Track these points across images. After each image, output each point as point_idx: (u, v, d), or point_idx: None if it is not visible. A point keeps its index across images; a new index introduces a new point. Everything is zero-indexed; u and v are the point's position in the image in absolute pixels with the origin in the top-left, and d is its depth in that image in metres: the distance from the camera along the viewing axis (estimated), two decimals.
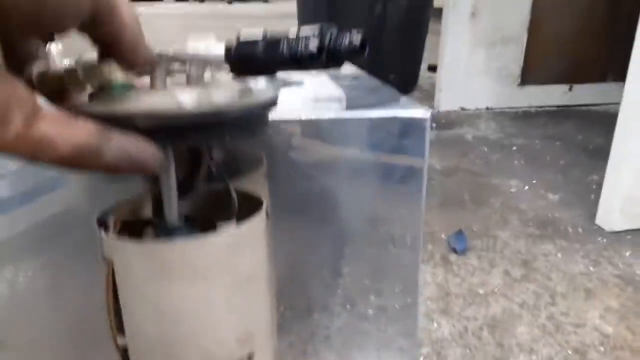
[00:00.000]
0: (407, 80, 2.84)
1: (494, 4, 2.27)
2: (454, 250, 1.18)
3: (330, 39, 0.29)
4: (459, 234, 1.22)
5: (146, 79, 0.32)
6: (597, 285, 1.08)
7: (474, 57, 2.34)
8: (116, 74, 0.30)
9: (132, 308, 0.37)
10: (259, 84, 0.36)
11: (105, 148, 0.27)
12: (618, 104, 1.25)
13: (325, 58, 0.29)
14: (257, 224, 0.38)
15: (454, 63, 2.33)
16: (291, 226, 0.60)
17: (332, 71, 0.78)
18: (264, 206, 0.39)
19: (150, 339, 0.38)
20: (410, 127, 0.53)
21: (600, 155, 1.42)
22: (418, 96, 2.75)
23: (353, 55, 0.29)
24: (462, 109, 2.43)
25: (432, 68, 3.07)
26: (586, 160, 1.77)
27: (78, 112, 0.28)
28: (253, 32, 0.32)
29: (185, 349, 0.38)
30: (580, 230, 1.30)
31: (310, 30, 0.30)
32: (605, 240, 1.25)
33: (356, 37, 0.29)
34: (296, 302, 0.69)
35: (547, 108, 2.48)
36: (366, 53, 0.29)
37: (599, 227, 1.31)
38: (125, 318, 0.38)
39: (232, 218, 0.38)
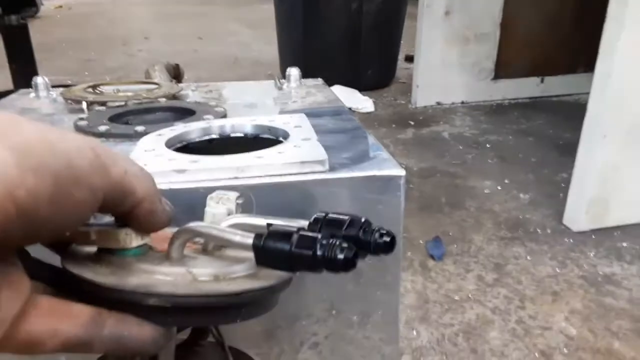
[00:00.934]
0: (385, 74, 2.89)
1: (467, 3, 2.33)
2: (432, 257, 1.25)
3: (370, 242, 0.29)
4: (436, 240, 1.30)
5: (164, 242, 0.30)
6: (563, 287, 1.16)
7: (449, 54, 2.40)
8: (131, 238, 0.28)
9: None
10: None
11: (96, 339, 0.25)
12: (587, 93, 1.30)
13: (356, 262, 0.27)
14: None
15: (429, 60, 2.39)
16: None
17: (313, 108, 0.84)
18: None
19: None
20: (387, 183, 0.60)
21: (569, 151, 1.50)
22: (396, 89, 2.81)
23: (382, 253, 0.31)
24: (439, 103, 2.50)
25: (409, 58, 3.13)
26: (556, 157, 1.86)
27: (84, 279, 0.27)
28: (282, 225, 0.29)
29: None
30: (548, 231, 1.39)
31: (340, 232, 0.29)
32: (571, 240, 1.34)
33: (387, 238, 0.30)
34: (283, 309, 0.74)
35: (520, 100, 2.57)
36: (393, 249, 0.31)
37: (566, 227, 1.40)
38: None
39: None
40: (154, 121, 0.71)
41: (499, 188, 1.63)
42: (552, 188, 1.62)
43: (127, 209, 0.26)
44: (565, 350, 0.98)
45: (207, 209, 0.33)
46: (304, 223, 0.31)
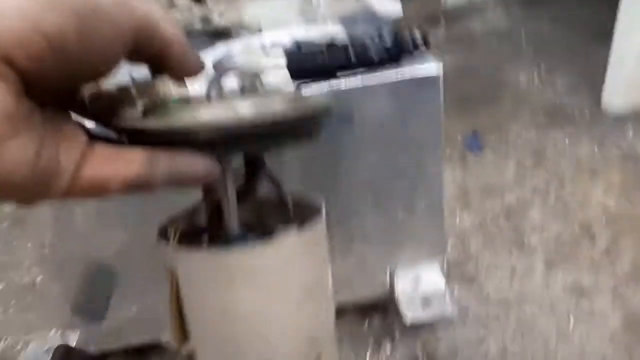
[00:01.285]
0: None
1: None
2: (471, 150, 1.30)
3: (398, 41, 0.33)
4: (474, 134, 1.35)
5: (201, 91, 0.31)
6: (601, 165, 1.21)
7: None
8: (170, 88, 0.29)
9: (198, 313, 0.38)
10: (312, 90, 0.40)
11: (155, 174, 0.27)
12: None
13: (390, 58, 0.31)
14: (318, 230, 0.38)
15: None
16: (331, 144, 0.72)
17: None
18: (323, 213, 0.39)
19: (218, 342, 0.39)
20: (426, 80, 0.66)
21: (606, 36, 1.47)
22: None
23: (417, 51, 0.34)
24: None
25: None
26: (593, 43, 1.82)
27: (134, 130, 0.28)
28: (310, 36, 0.34)
29: (255, 350, 0.40)
30: (587, 114, 1.41)
31: (369, 33, 0.33)
32: (610, 122, 1.36)
33: (419, 37, 0.34)
34: (332, 209, 0.82)
35: None
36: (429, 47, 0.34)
37: (604, 110, 1.41)
38: (191, 324, 0.38)
39: (291, 224, 0.38)
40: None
41: (536, 77, 1.64)
42: (589, 73, 1.61)
43: (157, 51, 0.27)
44: (604, 221, 1.05)
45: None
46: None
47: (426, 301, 0.83)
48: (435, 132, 0.78)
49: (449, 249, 0.99)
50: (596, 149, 1.26)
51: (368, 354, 0.83)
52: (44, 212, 0.69)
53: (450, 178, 1.22)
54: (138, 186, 0.27)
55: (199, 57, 0.29)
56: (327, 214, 0.39)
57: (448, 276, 0.88)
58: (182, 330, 0.39)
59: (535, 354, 0.80)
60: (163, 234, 0.37)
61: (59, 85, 0.24)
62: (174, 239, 0.36)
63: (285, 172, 0.56)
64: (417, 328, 0.86)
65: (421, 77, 0.65)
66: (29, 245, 0.71)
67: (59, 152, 0.24)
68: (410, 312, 0.81)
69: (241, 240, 0.36)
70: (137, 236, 0.71)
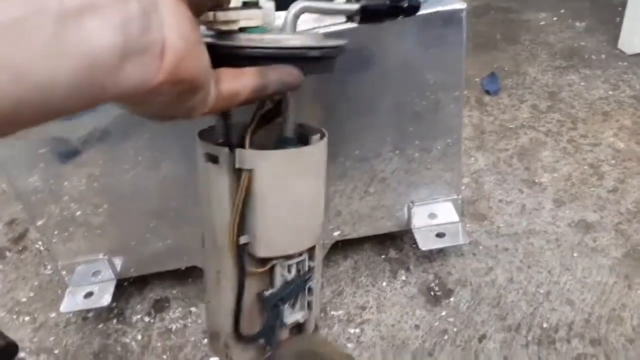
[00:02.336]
0: None
1: None
2: (488, 92, 1.34)
3: None
4: (492, 76, 1.37)
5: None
6: (614, 107, 1.24)
7: None
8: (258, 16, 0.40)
9: (270, 202, 0.48)
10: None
11: (269, 83, 0.35)
12: None
13: None
14: (325, 144, 0.51)
15: None
16: (348, 87, 0.76)
17: None
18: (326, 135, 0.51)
19: (279, 226, 0.49)
20: (449, 17, 0.68)
21: None
22: None
23: None
24: None
25: None
26: None
27: (250, 49, 0.38)
28: None
29: (302, 230, 0.51)
30: (603, 56, 1.42)
31: None
32: (625, 63, 1.38)
33: None
34: (353, 152, 0.87)
35: None
36: None
37: (621, 51, 1.42)
38: (259, 216, 0.47)
39: (319, 135, 0.51)
40: None
41: (554, 19, 1.64)
42: (608, 14, 1.61)
43: None
44: (613, 161, 1.09)
45: None
46: None
47: (440, 234, 0.89)
48: (457, 73, 0.81)
49: (463, 187, 1.05)
50: (610, 92, 1.29)
51: (384, 282, 0.91)
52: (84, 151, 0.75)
53: (467, 119, 1.26)
54: (259, 94, 0.35)
55: None
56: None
57: (462, 213, 0.95)
58: (239, 228, 0.48)
59: (539, 284, 0.87)
60: (226, 143, 0.47)
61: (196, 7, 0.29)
62: (250, 146, 0.46)
63: (308, 113, 0.61)
64: (430, 260, 0.93)
65: (446, 11, 0.68)
66: (66, 183, 0.78)
67: (207, 77, 0.30)
68: (425, 242, 0.88)
69: (291, 143, 0.49)
70: (175, 171, 0.78)
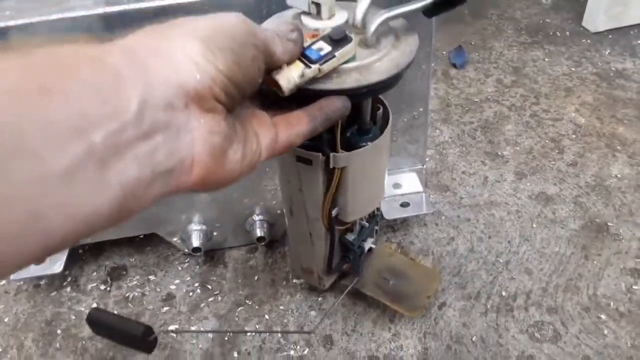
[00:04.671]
0: None
1: None
2: (454, 65, 1.34)
3: None
4: (459, 49, 1.37)
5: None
6: (576, 84, 1.26)
7: None
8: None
9: (356, 185, 0.61)
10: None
11: (317, 125, 0.39)
12: None
13: None
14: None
15: None
16: None
17: None
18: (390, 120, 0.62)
19: (362, 198, 0.64)
20: None
21: None
22: None
23: None
24: None
25: None
26: None
27: (315, 90, 0.43)
28: None
29: (377, 195, 0.68)
30: (567, 33, 1.44)
31: None
32: (589, 41, 1.39)
33: None
34: None
35: None
36: None
37: (585, 28, 1.44)
38: (348, 194, 0.62)
39: (385, 125, 0.62)
40: None
41: None
42: None
43: (272, 63, 0.37)
44: (573, 136, 1.11)
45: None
46: None
47: (404, 203, 0.89)
48: (426, 47, 0.80)
49: (427, 159, 1.05)
50: (573, 68, 1.31)
51: None
52: None
53: (433, 91, 1.25)
54: (310, 136, 0.39)
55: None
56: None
57: (426, 184, 0.95)
58: (331, 205, 0.63)
59: (499, 253, 0.89)
60: (315, 148, 0.57)
61: (239, 96, 0.32)
62: (341, 148, 0.57)
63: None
64: (394, 229, 0.93)
65: None
66: None
67: (259, 138, 0.35)
68: (389, 212, 0.88)
69: (372, 131, 0.60)
70: None
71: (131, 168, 0.25)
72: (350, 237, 0.73)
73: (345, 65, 0.47)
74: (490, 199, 0.98)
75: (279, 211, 0.86)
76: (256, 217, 0.86)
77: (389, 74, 0.48)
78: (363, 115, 0.59)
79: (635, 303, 0.80)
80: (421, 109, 0.93)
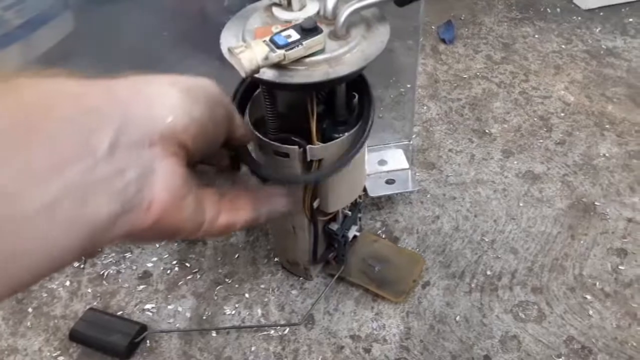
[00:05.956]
0: None
1: None
2: (443, 41, 1.30)
3: None
4: (448, 24, 1.34)
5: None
6: (566, 61, 1.23)
7: None
8: None
9: (335, 176, 0.59)
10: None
11: (260, 215, 0.39)
12: None
13: None
14: None
15: None
16: None
17: None
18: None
19: (343, 188, 0.64)
20: None
21: None
22: None
23: None
24: None
25: None
26: None
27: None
28: None
29: (357, 184, 0.67)
30: (558, 10, 1.41)
31: None
32: (579, 18, 1.37)
33: None
34: None
35: None
36: None
37: (576, 5, 1.41)
38: (329, 183, 0.61)
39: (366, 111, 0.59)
40: None
41: None
42: None
43: (232, 134, 0.38)
44: (562, 114, 1.09)
45: None
46: None
47: (390, 180, 0.87)
48: (414, 21, 0.78)
49: (414, 136, 1.02)
50: (563, 45, 1.28)
51: None
52: None
53: (421, 67, 1.22)
54: (251, 224, 0.39)
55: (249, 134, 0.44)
56: None
57: (412, 161, 0.92)
58: (312, 197, 0.63)
59: (484, 232, 0.87)
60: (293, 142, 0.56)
61: (199, 154, 0.33)
62: (316, 141, 0.56)
63: None
64: (378, 207, 0.91)
65: None
66: None
67: (204, 207, 0.34)
68: (374, 189, 0.85)
69: (349, 121, 0.59)
70: None
71: (104, 203, 0.26)
72: (334, 226, 0.72)
73: (313, 58, 0.47)
74: (477, 177, 0.96)
75: None
76: None
77: (357, 66, 0.48)
78: (337, 105, 0.57)
79: (621, 283, 0.79)
80: (409, 85, 0.90)
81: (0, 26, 0.63)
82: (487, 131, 1.06)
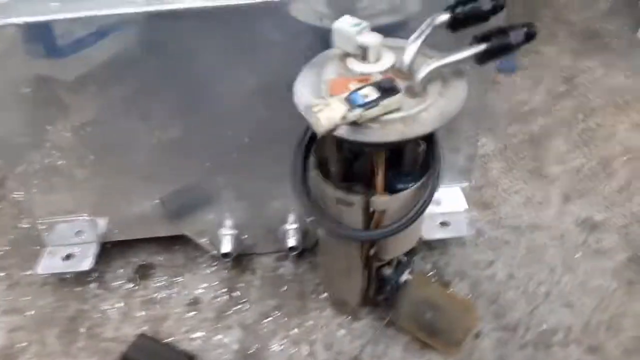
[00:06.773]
0: None
1: None
2: (502, 70, 1.27)
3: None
4: None
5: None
6: (629, 100, 1.18)
7: None
8: None
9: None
10: None
11: None
12: None
13: None
14: None
15: None
16: None
17: None
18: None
19: (401, 237, 0.62)
20: None
21: None
22: None
23: None
24: None
25: None
26: None
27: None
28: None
29: (414, 234, 0.70)
30: (624, 42, 1.35)
31: None
32: None
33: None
34: None
35: None
36: None
37: None
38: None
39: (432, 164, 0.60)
40: None
41: None
42: None
43: None
44: (623, 158, 1.05)
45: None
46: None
47: (445, 222, 0.85)
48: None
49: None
50: (629, 80, 1.23)
51: None
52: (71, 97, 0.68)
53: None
54: None
55: None
56: None
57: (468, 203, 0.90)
58: (370, 245, 0.65)
59: (540, 282, 0.84)
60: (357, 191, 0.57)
61: None
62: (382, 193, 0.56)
63: None
64: (430, 247, 0.89)
65: None
66: (49, 127, 0.71)
67: None
68: (429, 231, 0.84)
69: (413, 176, 0.59)
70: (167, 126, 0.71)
71: None
72: (387, 271, 0.72)
73: (389, 116, 0.46)
74: (534, 222, 0.93)
75: None
76: (289, 225, 0.83)
77: (433, 127, 0.48)
78: (405, 158, 0.57)
79: None
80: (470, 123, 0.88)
81: (65, 36, 0.63)
82: (545, 172, 1.03)
